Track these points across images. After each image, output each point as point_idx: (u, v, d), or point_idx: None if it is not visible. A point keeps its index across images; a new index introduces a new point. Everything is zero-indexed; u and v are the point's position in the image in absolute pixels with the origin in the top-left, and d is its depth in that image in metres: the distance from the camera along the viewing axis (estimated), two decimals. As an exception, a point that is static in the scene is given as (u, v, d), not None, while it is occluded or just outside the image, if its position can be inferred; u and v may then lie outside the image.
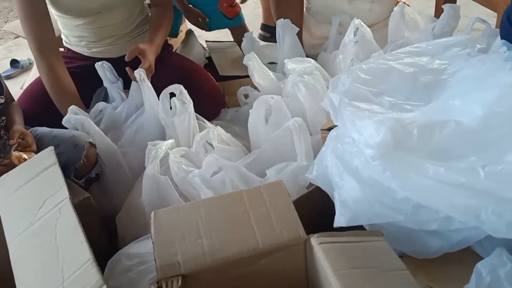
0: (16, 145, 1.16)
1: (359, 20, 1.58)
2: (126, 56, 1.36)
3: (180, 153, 1.21)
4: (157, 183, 1.14)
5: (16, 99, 1.42)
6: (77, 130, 1.28)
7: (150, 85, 1.34)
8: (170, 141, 1.23)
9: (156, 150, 1.17)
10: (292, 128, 1.15)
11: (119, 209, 1.25)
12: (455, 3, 1.82)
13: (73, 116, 1.28)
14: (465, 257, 0.83)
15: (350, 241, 0.77)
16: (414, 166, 0.78)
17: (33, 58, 2.58)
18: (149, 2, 1.63)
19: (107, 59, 1.48)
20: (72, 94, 1.38)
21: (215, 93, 1.52)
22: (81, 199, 1.09)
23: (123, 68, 1.46)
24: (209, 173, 1.15)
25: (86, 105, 1.46)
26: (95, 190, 1.31)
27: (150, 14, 1.60)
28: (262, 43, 2.04)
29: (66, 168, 1.20)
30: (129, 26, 1.55)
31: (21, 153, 1.13)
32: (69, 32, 1.52)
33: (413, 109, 0.98)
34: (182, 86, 1.31)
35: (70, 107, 1.29)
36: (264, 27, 2.37)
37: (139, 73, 1.32)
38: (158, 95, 1.46)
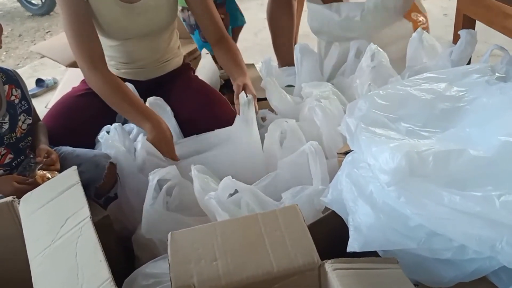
0: (42, 163, 1.19)
1: (376, 45, 1.59)
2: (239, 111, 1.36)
3: (202, 169, 1.23)
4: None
5: (41, 118, 1.46)
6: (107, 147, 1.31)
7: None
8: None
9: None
10: (308, 151, 1.16)
11: (136, 229, 1.27)
12: (474, 28, 1.82)
13: (106, 134, 1.32)
14: (482, 287, 0.82)
15: (365, 268, 0.77)
16: (429, 193, 0.78)
17: (58, 78, 2.70)
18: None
19: (133, 81, 1.52)
20: (133, 96, 1.37)
21: (229, 118, 1.53)
22: (100, 217, 1.12)
23: (146, 90, 1.51)
24: (225, 195, 1.16)
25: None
26: (114, 209, 1.33)
27: (215, 53, 1.59)
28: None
29: (87, 187, 1.23)
30: (160, 52, 1.59)
31: (45, 172, 1.16)
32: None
33: (429, 136, 0.98)
34: None
35: (105, 127, 1.31)
36: None
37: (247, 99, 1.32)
38: (176, 118, 1.51)
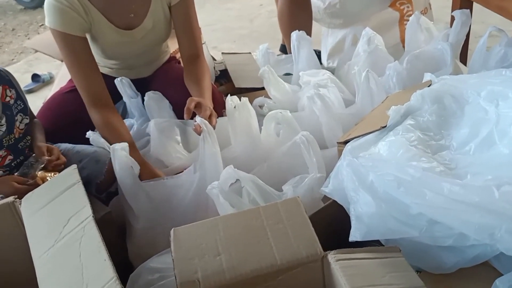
0: (46, 162, 1.18)
1: (371, 30, 1.59)
2: (185, 115, 1.27)
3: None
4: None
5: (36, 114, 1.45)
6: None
7: (214, 135, 1.21)
8: None
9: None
10: (299, 142, 1.14)
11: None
12: (471, 9, 1.81)
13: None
14: (484, 272, 0.83)
15: (368, 258, 0.78)
16: (429, 183, 0.78)
17: (53, 72, 2.68)
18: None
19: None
20: (128, 140, 1.31)
21: (219, 106, 1.50)
22: (102, 214, 1.13)
23: (138, 86, 1.52)
24: (227, 185, 1.16)
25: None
26: (116, 204, 1.33)
27: (185, 72, 1.51)
28: (277, 53, 2.06)
29: (88, 183, 1.23)
30: (154, 57, 1.61)
31: (46, 174, 1.16)
32: (99, 58, 1.54)
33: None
34: None
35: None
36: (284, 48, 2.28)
37: (202, 123, 1.19)
38: (173, 107, 1.49)
